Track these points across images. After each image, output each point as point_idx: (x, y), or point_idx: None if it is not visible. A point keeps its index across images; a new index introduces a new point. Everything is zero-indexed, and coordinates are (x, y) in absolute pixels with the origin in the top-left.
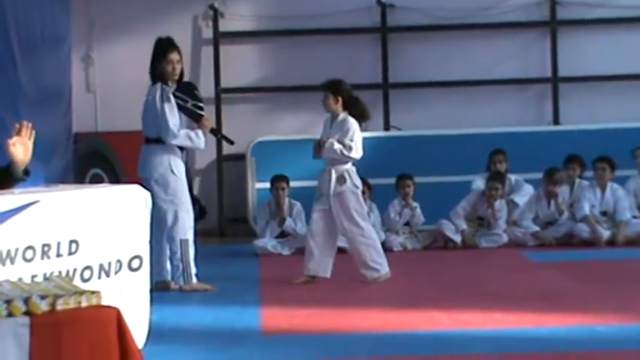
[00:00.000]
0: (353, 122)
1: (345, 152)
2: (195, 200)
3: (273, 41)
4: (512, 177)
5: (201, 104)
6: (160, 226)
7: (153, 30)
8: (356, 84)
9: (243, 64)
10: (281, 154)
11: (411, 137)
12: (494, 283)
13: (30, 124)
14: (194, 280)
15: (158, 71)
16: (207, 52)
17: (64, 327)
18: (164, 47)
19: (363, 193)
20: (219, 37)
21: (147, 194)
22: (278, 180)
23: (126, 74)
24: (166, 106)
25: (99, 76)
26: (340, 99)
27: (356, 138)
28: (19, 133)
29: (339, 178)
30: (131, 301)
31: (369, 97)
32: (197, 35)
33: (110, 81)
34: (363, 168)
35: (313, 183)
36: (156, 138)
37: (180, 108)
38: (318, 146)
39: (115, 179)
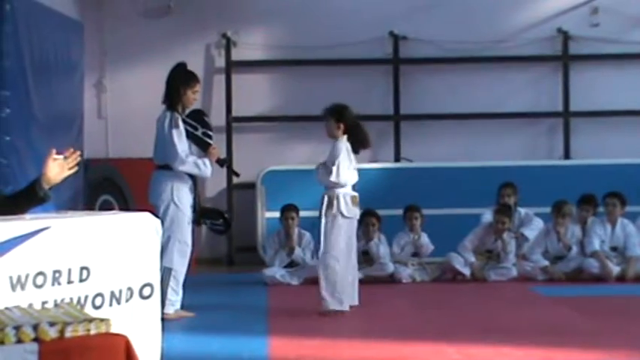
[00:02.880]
0: (340, 147)
1: (322, 172)
2: (219, 213)
3: (285, 71)
4: (522, 210)
5: (210, 132)
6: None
7: (165, 58)
8: (367, 115)
9: (254, 93)
10: (291, 184)
11: (421, 169)
12: (503, 316)
13: (79, 155)
14: (169, 310)
15: (179, 97)
16: (219, 80)
17: (73, 354)
18: (191, 76)
19: (373, 225)
20: (232, 66)
21: (157, 222)
22: (288, 210)
23: (137, 101)
24: (174, 132)
25: (110, 103)
26: (342, 125)
27: (340, 162)
28: (65, 157)
29: (328, 203)
30: (142, 329)
31: (380, 128)
32: (209, 63)
33: (122, 108)
34: (374, 199)
35: None
36: (163, 164)
37: (189, 135)
38: None
39: (125, 206)
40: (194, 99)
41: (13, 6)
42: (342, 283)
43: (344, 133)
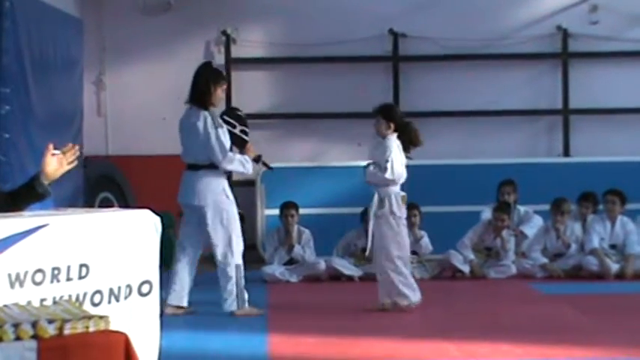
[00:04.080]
0: (391, 143)
1: (380, 173)
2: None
3: (284, 68)
4: (522, 208)
5: (247, 130)
6: (194, 250)
7: (165, 55)
8: (366, 112)
9: (254, 91)
10: (291, 181)
11: (421, 166)
12: (503, 314)
13: (77, 150)
14: (247, 305)
15: (210, 96)
16: None
17: (72, 351)
18: (220, 74)
19: None
20: (231, 63)
21: (157, 219)
22: (287, 207)
23: (137, 98)
24: (220, 131)
25: (110, 100)
26: (392, 124)
27: (393, 158)
28: (64, 151)
29: (380, 201)
30: (141, 326)
31: None
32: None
33: (121, 105)
34: (372, 197)
35: (323, 210)
36: (206, 164)
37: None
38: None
39: (125, 203)
40: (221, 97)
41: (12, 3)
42: (406, 279)
43: (394, 131)
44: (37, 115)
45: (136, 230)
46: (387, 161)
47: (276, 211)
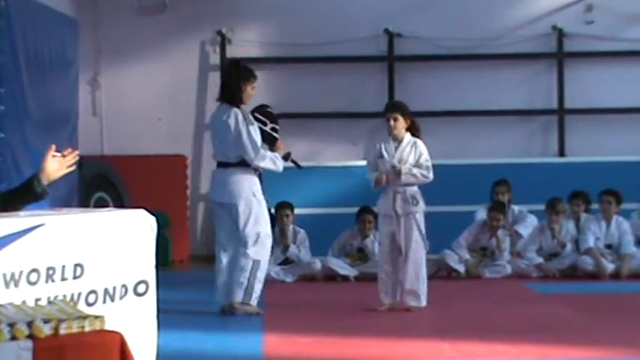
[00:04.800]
0: (422, 143)
1: (425, 173)
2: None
3: (280, 68)
4: (516, 208)
5: (277, 127)
6: (234, 248)
7: (160, 55)
8: (361, 112)
9: None
10: (286, 181)
11: None
12: (498, 314)
13: (77, 155)
14: (253, 302)
15: (240, 94)
16: (214, 77)
17: (67, 351)
18: (250, 73)
19: (369, 222)
20: (226, 63)
21: (152, 219)
22: (282, 207)
23: (132, 98)
24: (252, 129)
25: (105, 100)
26: (409, 122)
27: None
28: (63, 155)
29: (412, 199)
30: (137, 326)
31: (374, 126)
32: (204, 61)
33: (116, 105)
34: (368, 196)
35: (318, 210)
36: (237, 161)
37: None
38: (379, 179)
39: (120, 203)
40: (251, 95)
41: (7, 2)
42: (425, 282)
43: (406, 129)
44: (32, 114)
45: (132, 230)
46: (427, 160)
47: (271, 211)
